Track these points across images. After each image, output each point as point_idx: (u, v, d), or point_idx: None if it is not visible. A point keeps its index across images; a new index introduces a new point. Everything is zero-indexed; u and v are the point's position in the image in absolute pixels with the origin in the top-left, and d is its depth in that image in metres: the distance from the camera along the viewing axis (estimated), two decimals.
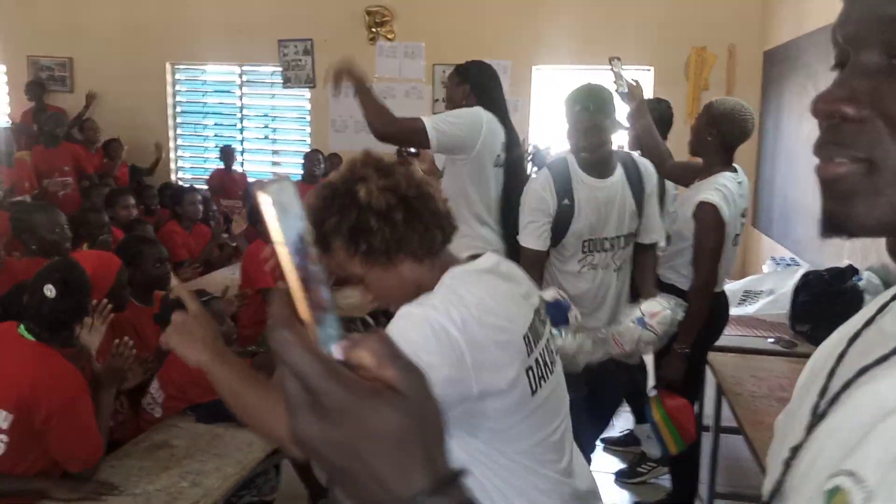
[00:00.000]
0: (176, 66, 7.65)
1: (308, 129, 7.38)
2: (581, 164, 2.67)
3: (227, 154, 6.92)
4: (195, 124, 7.83)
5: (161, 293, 3.25)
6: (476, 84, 3.13)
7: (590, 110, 2.57)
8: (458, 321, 1.23)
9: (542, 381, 1.35)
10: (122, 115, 7.32)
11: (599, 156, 2.66)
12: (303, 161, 6.32)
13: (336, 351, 0.47)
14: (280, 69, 7.22)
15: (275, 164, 7.64)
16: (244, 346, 3.40)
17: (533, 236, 2.64)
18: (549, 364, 1.39)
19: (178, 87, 7.74)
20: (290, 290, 0.48)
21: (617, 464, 3.83)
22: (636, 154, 3.07)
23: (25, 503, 2.14)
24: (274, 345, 0.46)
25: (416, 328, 1.22)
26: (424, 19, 6.84)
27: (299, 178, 6.59)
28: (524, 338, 1.32)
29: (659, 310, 2.49)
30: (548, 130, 6.42)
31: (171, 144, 7.75)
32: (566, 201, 2.61)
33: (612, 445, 3.96)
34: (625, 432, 4.01)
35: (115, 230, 4.34)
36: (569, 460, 1.44)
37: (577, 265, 2.70)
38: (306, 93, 7.29)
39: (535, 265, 2.62)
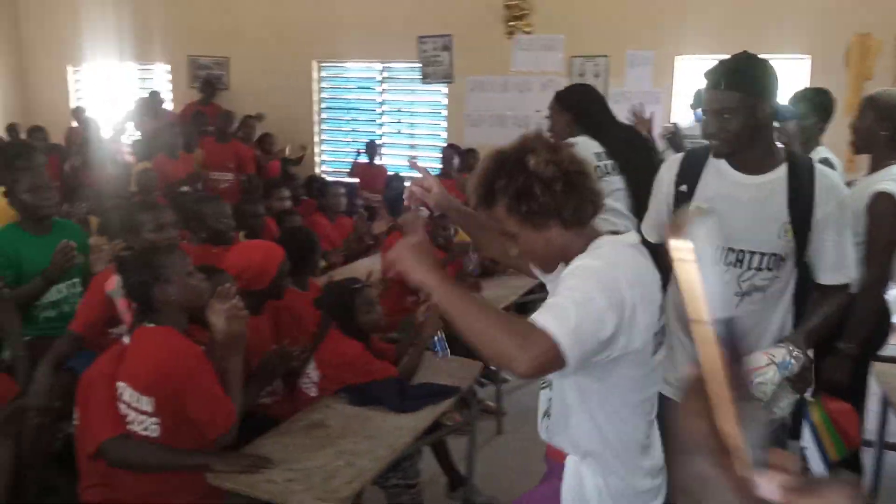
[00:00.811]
0: (321, 64, 7.99)
1: (444, 124, 7.50)
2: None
3: (371, 148, 7.15)
4: (338, 119, 8.14)
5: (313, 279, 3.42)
6: (578, 111, 3.05)
7: (719, 87, 1.98)
8: (623, 280, 1.45)
9: (660, 347, 1.58)
10: (271, 110, 7.74)
11: (730, 149, 2.05)
12: (441, 156, 6.43)
13: (765, 487, 0.40)
14: (419, 65, 7.38)
15: (411, 157, 7.80)
16: (384, 334, 3.50)
17: (646, 225, 2.33)
18: (665, 334, 1.62)
19: (322, 84, 8.07)
20: (708, 381, 0.39)
21: None
22: (829, 156, 2.79)
23: (189, 477, 2.27)
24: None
25: (595, 275, 1.44)
26: (564, 11, 6.76)
27: (437, 172, 6.74)
28: (658, 305, 1.54)
29: (762, 364, 1.93)
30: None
31: (316, 139, 8.11)
32: (683, 187, 2.12)
33: None
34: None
35: (268, 220, 4.61)
36: (650, 431, 1.66)
37: None
38: (443, 88, 7.40)
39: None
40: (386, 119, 7.89)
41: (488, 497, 3.23)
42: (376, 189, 6.76)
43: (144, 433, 2.24)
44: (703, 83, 2.04)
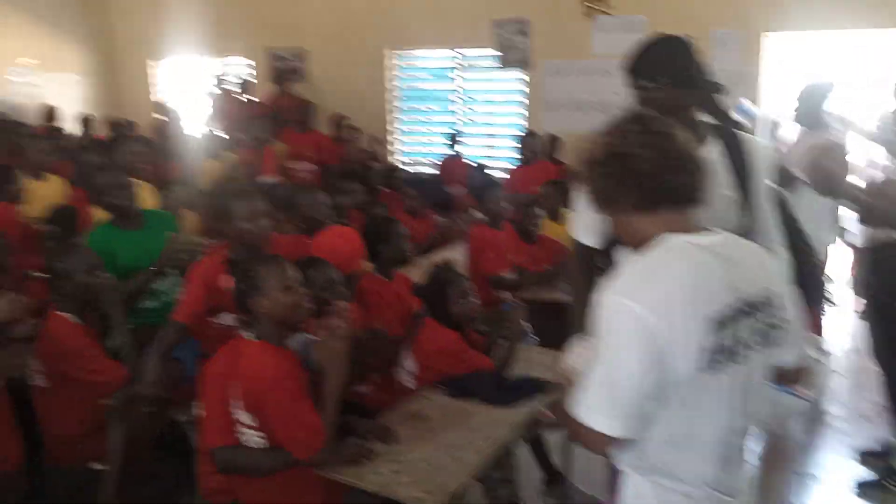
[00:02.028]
0: (394, 53, 7.98)
1: (523, 111, 7.39)
2: None
3: (454, 139, 7.12)
4: (414, 109, 8.13)
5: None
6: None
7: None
8: (653, 303, 1.36)
9: (717, 366, 1.40)
10: (347, 101, 7.78)
11: None
12: (519, 144, 6.34)
13: None
14: (495, 51, 7.28)
15: (489, 146, 7.74)
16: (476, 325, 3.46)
17: (578, 226, 2.21)
18: (742, 354, 1.43)
19: (396, 73, 8.07)
20: None
21: (863, 474, 3.47)
22: None
23: (303, 472, 2.26)
24: None
25: (612, 319, 1.40)
26: None
27: (516, 160, 6.65)
28: (711, 319, 1.37)
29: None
30: (782, 105, 5.90)
31: (390, 128, 8.12)
32: None
33: (869, 456, 3.58)
34: (883, 443, 3.61)
35: (352, 211, 4.63)
36: (729, 472, 1.50)
37: None
38: (521, 74, 7.29)
39: None
40: (463, 107, 7.83)
41: (587, 496, 3.16)
42: (456, 180, 6.71)
43: (252, 445, 2.25)
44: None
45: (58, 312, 2.81)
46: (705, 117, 2.08)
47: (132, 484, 2.76)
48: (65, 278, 2.79)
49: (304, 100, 7.46)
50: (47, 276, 2.88)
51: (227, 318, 2.85)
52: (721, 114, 2.13)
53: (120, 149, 4.23)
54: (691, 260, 1.42)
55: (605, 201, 1.53)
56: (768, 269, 1.55)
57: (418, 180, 6.12)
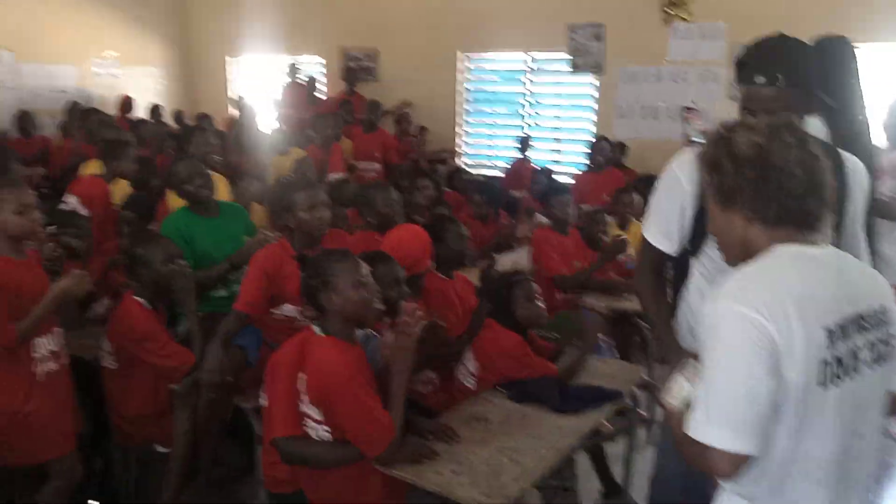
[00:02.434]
0: (467, 55, 7.98)
1: (593, 116, 7.29)
2: None
3: (522, 143, 7.07)
4: (481, 111, 8.11)
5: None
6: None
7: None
8: (771, 309, 1.30)
9: (836, 380, 1.34)
10: (416, 102, 7.82)
11: None
12: (589, 149, 6.25)
13: None
14: (568, 55, 7.20)
15: (556, 151, 7.66)
16: (542, 330, 3.41)
17: (655, 230, 2.08)
18: (854, 369, 1.37)
19: (468, 76, 8.06)
20: None
21: None
22: None
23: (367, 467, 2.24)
24: None
25: (725, 327, 1.33)
26: None
27: (583, 166, 6.56)
28: (826, 329, 1.33)
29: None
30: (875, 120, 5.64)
31: (459, 130, 8.12)
32: None
33: None
34: None
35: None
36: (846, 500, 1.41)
37: None
38: (593, 78, 7.19)
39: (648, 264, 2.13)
40: (532, 111, 7.76)
41: None
42: (523, 185, 6.66)
43: (318, 438, 2.25)
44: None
45: (133, 297, 2.88)
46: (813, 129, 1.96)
47: (196, 469, 2.81)
48: (144, 265, 2.87)
49: (372, 99, 7.52)
50: (126, 260, 2.96)
51: (289, 310, 2.88)
52: (836, 130, 2.00)
53: (195, 140, 4.34)
54: (804, 269, 1.37)
55: (729, 200, 1.44)
56: (880, 285, 1.48)
57: (483, 183, 6.06)
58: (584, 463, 3.11)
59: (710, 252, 1.89)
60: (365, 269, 2.31)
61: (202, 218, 3.28)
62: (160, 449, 2.93)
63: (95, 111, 6.84)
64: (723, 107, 6.20)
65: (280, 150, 5.75)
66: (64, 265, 3.06)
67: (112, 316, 2.93)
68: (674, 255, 2.01)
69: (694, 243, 1.96)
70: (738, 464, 1.32)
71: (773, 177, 1.38)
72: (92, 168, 4.57)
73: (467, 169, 7.54)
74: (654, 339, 1.96)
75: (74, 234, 3.37)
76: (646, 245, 2.07)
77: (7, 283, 2.42)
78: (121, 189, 4.26)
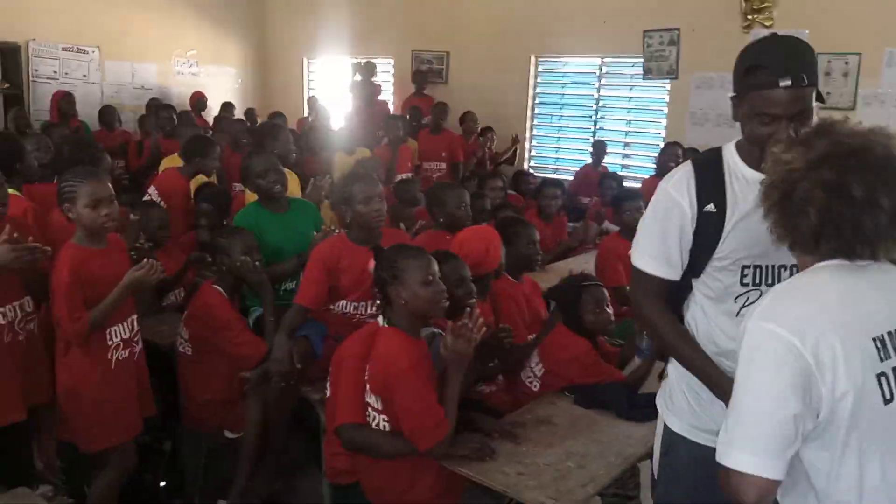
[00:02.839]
0: (539, 59, 7.94)
1: (663, 122, 7.15)
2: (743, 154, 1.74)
3: (598, 150, 6.94)
4: (551, 115, 8.06)
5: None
6: None
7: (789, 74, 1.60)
8: (793, 325, 1.26)
9: (886, 398, 1.27)
10: (485, 105, 7.81)
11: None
12: (658, 154, 6.13)
13: None
14: (640, 60, 7.10)
15: (626, 156, 7.54)
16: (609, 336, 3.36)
17: (650, 257, 1.80)
18: None
19: (538, 79, 8.02)
20: None
21: None
22: None
23: (427, 462, 2.26)
24: None
25: (755, 346, 1.29)
26: (810, 3, 6.15)
27: (652, 172, 6.44)
28: (876, 340, 1.27)
29: None
30: None
31: (527, 134, 8.09)
32: (710, 206, 1.72)
33: None
34: None
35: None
36: None
37: (734, 304, 1.77)
38: (666, 84, 7.06)
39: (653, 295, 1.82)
40: (602, 115, 7.67)
41: None
42: (591, 192, 6.58)
43: (377, 428, 2.29)
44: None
45: (212, 286, 2.97)
46: None
47: (264, 456, 2.87)
48: (225, 255, 2.95)
49: (439, 101, 7.56)
50: (206, 251, 3.05)
51: (343, 305, 2.91)
52: None
53: (279, 137, 4.43)
54: (846, 282, 1.31)
55: (786, 226, 1.35)
56: None
57: (556, 180, 5.97)
58: (647, 473, 3.04)
59: (716, 273, 1.75)
60: (435, 267, 2.32)
61: (272, 213, 3.34)
62: (229, 434, 3.01)
63: (172, 108, 7.08)
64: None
65: (347, 149, 5.84)
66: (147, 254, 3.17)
67: (190, 304, 3.02)
68: (677, 280, 1.79)
69: (695, 264, 1.77)
70: (762, 490, 1.26)
71: (850, 212, 1.28)
72: (172, 163, 4.72)
73: (534, 172, 7.50)
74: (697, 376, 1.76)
75: (156, 224, 3.51)
76: (641, 276, 1.80)
77: (78, 271, 2.45)
78: (197, 184, 4.39)
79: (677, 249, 1.76)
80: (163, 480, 3.28)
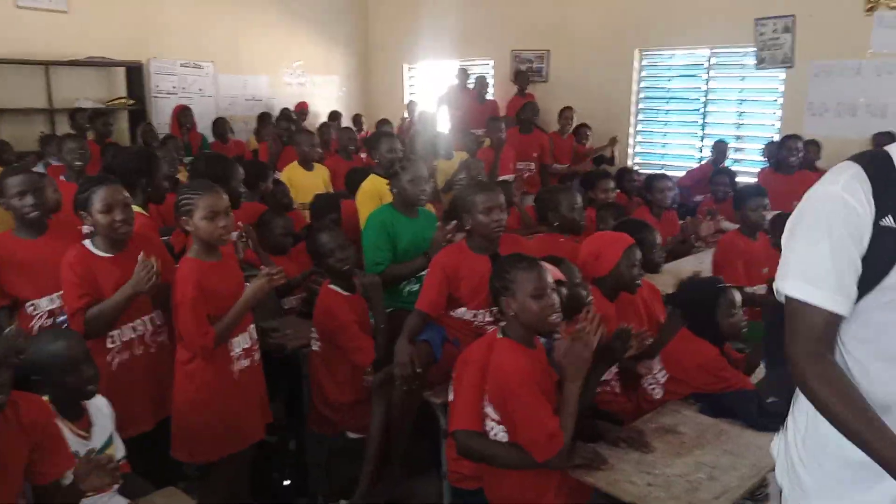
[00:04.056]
0: (644, 53, 7.75)
1: (778, 114, 6.83)
2: None
3: (719, 150, 6.57)
4: (656, 109, 7.85)
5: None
6: None
7: None
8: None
9: None
10: (587, 101, 7.70)
11: None
12: (774, 147, 5.85)
13: None
14: (751, 49, 6.80)
15: (738, 150, 7.25)
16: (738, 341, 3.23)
17: (831, 291, 1.34)
18: None
19: (642, 74, 7.84)
20: None
21: None
22: None
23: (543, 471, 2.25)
24: None
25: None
26: None
27: (766, 165, 6.17)
28: None
29: None
30: None
31: (631, 130, 7.92)
32: (888, 220, 1.32)
33: None
34: None
35: (592, 212, 4.55)
36: None
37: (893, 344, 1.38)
38: (781, 74, 6.74)
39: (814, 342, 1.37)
40: (711, 108, 7.40)
41: None
42: (700, 185, 6.36)
43: (495, 438, 2.29)
44: None
45: (329, 286, 3.06)
46: None
47: (386, 459, 2.94)
48: (321, 254, 3.06)
49: (529, 101, 7.49)
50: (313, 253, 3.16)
51: (462, 312, 2.94)
52: None
53: (382, 145, 4.52)
54: None
55: None
56: None
57: (661, 179, 5.81)
58: (775, 483, 2.91)
59: (875, 310, 1.35)
60: (548, 279, 2.29)
61: (405, 217, 3.42)
62: (351, 435, 3.09)
63: (289, 117, 7.35)
64: None
65: (447, 153, 5.89)
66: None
67: (316, 303, 3.12)
68: (846, 315, 1.36)
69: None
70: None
71: None
72: (291, 171, 4.90)
73: (639, 169, 7.33)
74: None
75: (280, 232, 3.66)
76: (799, 313, 1.36)
77: (201, 286, 2.48)
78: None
79: (852, 271, 1.33)
80: (288, 479, 3.41)
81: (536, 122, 7.16)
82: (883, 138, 5.72)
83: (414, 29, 9.46)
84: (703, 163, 6.86)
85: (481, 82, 8.36)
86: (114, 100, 8.02)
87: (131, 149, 6.22)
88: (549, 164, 6.83)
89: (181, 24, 8.42)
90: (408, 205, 3.42)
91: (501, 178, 5.80)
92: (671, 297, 2.91)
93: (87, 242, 2.65)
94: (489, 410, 2.29)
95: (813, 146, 5.98)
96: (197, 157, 4.72)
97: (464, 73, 8.59)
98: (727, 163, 6.70)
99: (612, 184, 4.72)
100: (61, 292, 2.68)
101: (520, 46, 8.61)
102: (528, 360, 2.25)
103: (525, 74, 8.35)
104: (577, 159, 7.18)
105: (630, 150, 7.96)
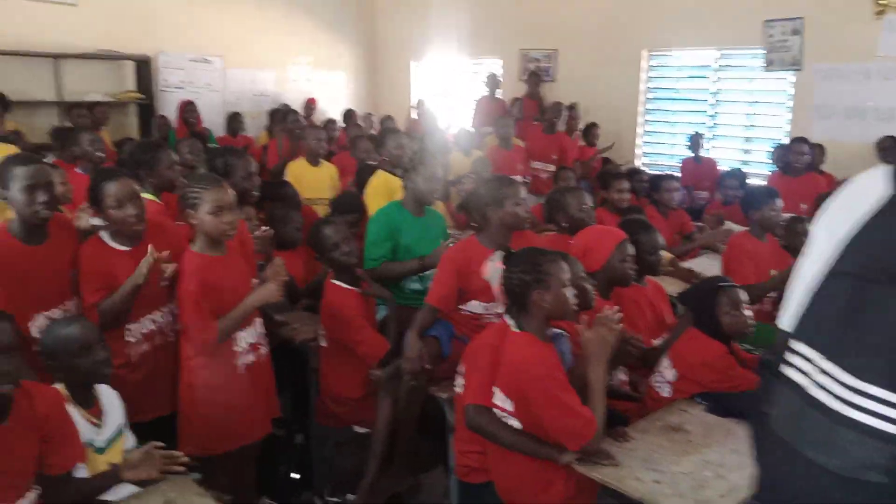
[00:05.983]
0: (652, 53, 7.75)
1: (787, 116, 6.82)
2: None
3: (695, 141, 6.77)
4: (664, 110, 7.85)
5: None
6: None
7: None
8: None
9: None
10: (594, 101, 7.71)
11: None
12: (782, 150, 5.85)
13: None
14: (760, 51, 6.80)
15: (746, 151, 7.25)
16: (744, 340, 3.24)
17: None
18: None
19: (650, 74, 7.83)
20: None
21: None
22: None
23: (559, 468, 2.25)
24: None
25: None
26: None
27: (776, 168, 6.17)
28: None
29: None
30: None
31: (639, 130, 7.92)
32: None
33: None
34: None
35: (603, 212, 4.56)
36: None
37: None
38: (789, 76, 6.73)
39: None
40: (720, 110, 7.40)
41: None
42: (703, 186, 6.37)
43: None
44: None
45: (332, 280, 3.07)
46: None
47: (393, 453, 2.95)
48: (321, 249, 3.07)
49: (555, 101, 7.52)
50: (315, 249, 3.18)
51: (475, 306, 2.95)
52: None
53: (389, 142, 4.54)
54: None
55: None
56: None
57: (669, 179, 5.83)
58: None
59: None
60: (577, 270, 2.34)
61: (411, 215, 3.43)
62: (358, 429, 3.10)
63: (295, 112, 7.37)
64: None
65: (464, 150, 5.90)
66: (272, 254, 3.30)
67: (322, 299, 3.13)
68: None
69: None
70: None
71: None
72: (298, 166, 4.91)
73: (646, 169, 7.32)
74: None
75: (295, 227, 3.68)
76: None
77: (204, 280, 2.48)
78: None
79: None
80: (295, 473, 3.43)
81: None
82: (887, 142, 5.73)
83: (422, 26, 9.47)
84: (686, 158, 6.93)
85: (493, 80, 8.35)
86: (124, 93, 8.05)
87: (139, 141, 6.27)
88: (570, 166, 6.83)
89: (190, 17, 8.44)
90: (418, 202, 3.43)
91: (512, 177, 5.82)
92: (681, 297, 2.92)
93: (103, 234, 2.66)
94: (500, 402, 2.30)
95: (818, 149, 5.99)
96: (211, 150, 4.72)
97: (494, 80, 8.41)
98: (734, 165, 6.73)
99: (626, 184, 4.71)
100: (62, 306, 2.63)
101: (528, 45, 8.61)
102: (546, 353, 2.28)
103: (537, 76, 8.33)
104: (583, 165, 7.19)
105: (637, 151, 7.96)
